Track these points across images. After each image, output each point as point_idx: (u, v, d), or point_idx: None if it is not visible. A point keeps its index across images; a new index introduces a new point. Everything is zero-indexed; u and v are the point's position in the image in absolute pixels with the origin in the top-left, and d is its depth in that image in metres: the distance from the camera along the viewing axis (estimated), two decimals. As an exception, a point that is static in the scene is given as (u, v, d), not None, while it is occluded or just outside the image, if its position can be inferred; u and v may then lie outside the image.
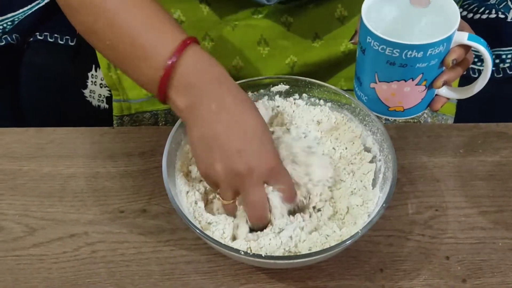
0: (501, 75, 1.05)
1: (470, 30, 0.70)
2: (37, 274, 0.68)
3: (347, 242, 0.60)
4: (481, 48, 0.66)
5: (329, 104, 0.74)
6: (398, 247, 0.70)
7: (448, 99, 0.72)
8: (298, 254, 0.63)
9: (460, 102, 0.89)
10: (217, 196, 0.65)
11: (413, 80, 0.67)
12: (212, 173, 0.61)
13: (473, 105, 0.87)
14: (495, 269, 0.68)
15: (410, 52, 0.64)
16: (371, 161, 0.71)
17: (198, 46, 0.63)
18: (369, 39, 0.66)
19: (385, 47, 0.65)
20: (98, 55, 0.87)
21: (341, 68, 0.88)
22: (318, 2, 0.83)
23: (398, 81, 0.68)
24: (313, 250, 0.63)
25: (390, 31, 0.66)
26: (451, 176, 0.77)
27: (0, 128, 0.82)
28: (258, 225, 0.64)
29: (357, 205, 0.67)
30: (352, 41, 0.73)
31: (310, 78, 0.74)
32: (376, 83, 0.69)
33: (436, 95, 0.72)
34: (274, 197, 0.63)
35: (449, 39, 0.65)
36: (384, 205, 0.63)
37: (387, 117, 0.73)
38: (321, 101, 0.75)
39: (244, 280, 0.67)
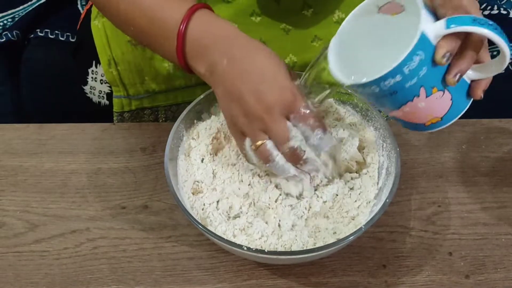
0: (503, 72, 1.05)
1: (477, 11, 0.60)
2: (38, 270, 0.68)
3: (350, 238, 0.60)
4: (470, 28, 0.55)
5: (331, 101, 0.74)
6: (401, 243, 0.70)
7: (486, 79, 0.62)
8: (300, 249, 0.63)
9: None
10: (251, 147, 0.64)
11: (419, 97, 0.59)
12: (236, 123, 0.62)
13: (475, 101, 0.87)
14: (498, 264, 0.68)
15: (387, 82, 0.57)
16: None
17: (205, 10, 0.64)
18: (350, 86, 0.60)
19: (362, 89, 0.59)
20: (99, 51, 0.87)
21: None
22: (316, 9, 0.83)
23: (405, 104, 0.60)
24: (316, 246, 0.63)
25: (370, 59, 0.59)
26: (454, 172, 0.76)
27: (1, 124, 0.82)
28: (297, 164, 0.64)
29: (359, 200, 0.67)
30: None
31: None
32: (391, 113, 0.63)
33: (472, 81, 0.62)
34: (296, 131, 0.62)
35: (418, 47, 0.55)
36: (387, 201, 0.63)
37: (432, 131, 0.64)
38: (323, 97, 0.74)
39: (246, 276, 0.67)
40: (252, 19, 0.82)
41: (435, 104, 0.61)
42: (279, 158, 0.62)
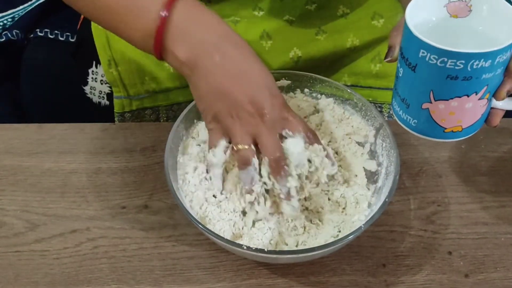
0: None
1: None
2: (39, 270, 0.68)
3: (350, 237, 0.60)
4: None
5: (330, 99, 0.74)
6: (401, 242, 0.70)
7: (505, 111, 0.62)
8: (300, 249, 0.63)
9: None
10: (233, 147, 0.63)
11: (476, 94, 0.58)
12: (221, 121, 0.61)
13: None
14: (497, 264, 0.68)
15: (477, 62, 0.55)
16: (372, 157, 0.71)
17: None
18: (423, 52, 0.56)
19: (446, 59, 0.55)
20: (99, 51, 0.87)
21: (345, 63, 0.88)
22: (319, 4, 0.83)
23: (460, 97, 0.58)
24: (316, 245, 0.63)
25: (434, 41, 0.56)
26: (453, 171, 0.77)
27: (1, 124, 0.82)
28: (278, 175, 0.62)
29: (359, 201, 0.67)
30: (388, 59, 0.62)
31: (312, 73, 0.74)
32: (431, 102, 0.59)
33: (492, 108, 0.61)
34: (289, 144, 0.62)
35: None
36: (386, 200, 0.63)
37: (445, 140, 0.63)
38: (323, 96, 0.75)
39: (246, 275, 0.67)
40: (254, 13, 0.82)
41: (473, 111, 0.60)
42: (256, 165, 0.62)
